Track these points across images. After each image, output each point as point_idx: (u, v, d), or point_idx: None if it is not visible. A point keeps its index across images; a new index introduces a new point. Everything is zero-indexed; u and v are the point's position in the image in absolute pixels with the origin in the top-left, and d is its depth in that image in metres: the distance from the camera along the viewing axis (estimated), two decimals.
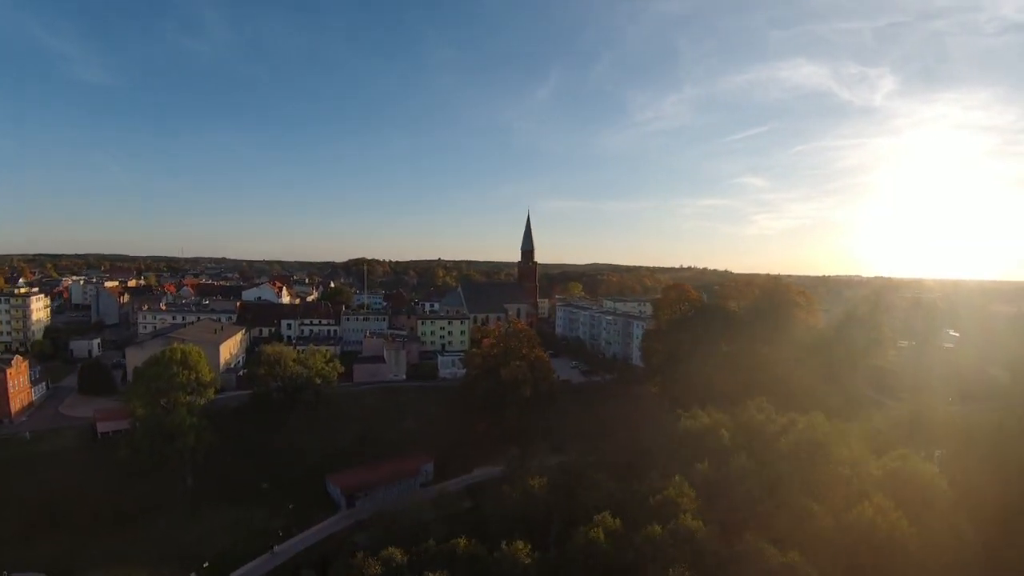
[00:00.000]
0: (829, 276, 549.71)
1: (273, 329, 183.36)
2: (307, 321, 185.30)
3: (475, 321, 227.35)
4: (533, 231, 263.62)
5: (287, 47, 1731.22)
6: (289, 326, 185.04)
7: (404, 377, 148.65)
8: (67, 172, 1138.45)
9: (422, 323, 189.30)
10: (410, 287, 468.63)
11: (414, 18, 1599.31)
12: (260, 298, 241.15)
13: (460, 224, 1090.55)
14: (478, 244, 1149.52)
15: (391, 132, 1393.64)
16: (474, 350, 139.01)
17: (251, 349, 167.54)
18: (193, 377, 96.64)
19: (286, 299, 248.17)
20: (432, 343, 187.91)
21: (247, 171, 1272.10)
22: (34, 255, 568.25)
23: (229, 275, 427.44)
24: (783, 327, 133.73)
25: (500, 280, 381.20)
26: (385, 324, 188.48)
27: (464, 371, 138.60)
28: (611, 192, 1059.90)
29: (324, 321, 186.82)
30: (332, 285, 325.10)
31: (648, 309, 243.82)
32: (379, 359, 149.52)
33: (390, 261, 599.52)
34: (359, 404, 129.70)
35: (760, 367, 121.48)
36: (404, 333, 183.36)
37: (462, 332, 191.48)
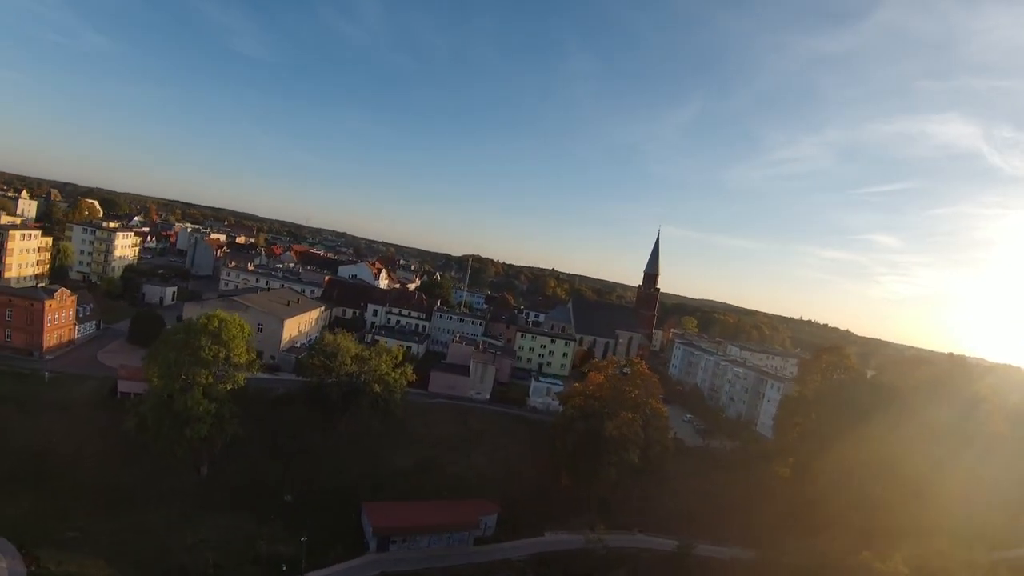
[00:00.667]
0: (955, 354, 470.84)
1: (358, 312, 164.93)
2: (395, 310, 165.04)
3: (581, 343, 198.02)
4: (660, 255, 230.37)
5: (434, 42, 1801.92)
6: (375, 312, 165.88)
7: (487, 397, 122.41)
8: (221, 133, 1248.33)
9: (521, 336, 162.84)
10: (519, 292, 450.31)
11: (558, 27, 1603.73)
12: (355, 276, 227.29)
13: (575, 237, 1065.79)
14: (590, 260, 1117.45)
15: (523, 136, 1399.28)
16: (576, 386, 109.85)
17: (331, 328, 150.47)
18: (223, 355, 75.72)
19: (384, 283, 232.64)
20: (528, 360, 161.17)
21: (380, 153, 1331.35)
22: (169, 200, 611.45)
23: (344, 250, 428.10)
24: (972, 424, 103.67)
25: (612, 302, 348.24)
26: (480, 329, 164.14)
27: (559, 405, 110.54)
28: (730, 228, 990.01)
29: (414, 313, 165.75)
30: (437, 276, 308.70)
31: (782, 365, 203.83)
32: (462, 369, 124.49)
33: (504, 263, 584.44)
34: (426, 421, 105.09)
35: (935, 477, 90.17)
36: (499, 343, 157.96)
37: (564, 355, 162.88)
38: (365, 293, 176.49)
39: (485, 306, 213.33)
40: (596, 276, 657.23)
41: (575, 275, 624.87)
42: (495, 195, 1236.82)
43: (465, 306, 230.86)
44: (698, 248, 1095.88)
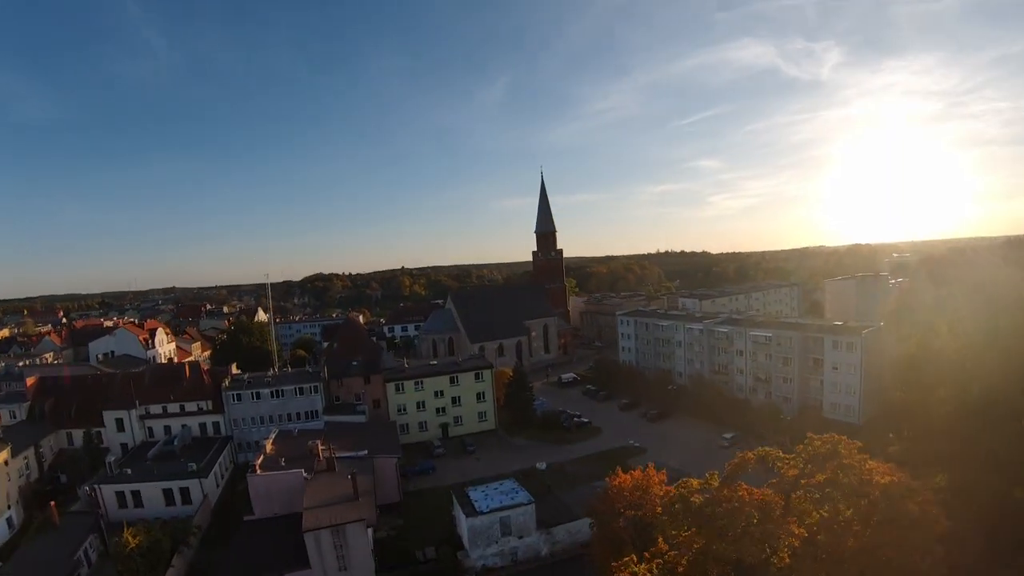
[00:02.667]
0: (797, 248, 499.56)
1: (92, 431, 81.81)
2: (155, 411, 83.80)
3: (482, 352, 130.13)
4: (547, 211, 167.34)
5: (232, 66, 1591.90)
6: (120, 423, 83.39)
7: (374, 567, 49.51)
8: (20, 209, 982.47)
9: (397, 389, 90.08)
10: (374, 302, 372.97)
11: (354, 28, 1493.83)
12: (111, 354, 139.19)
13: (420, 231, 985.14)
14: (441, 248, 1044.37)
15: (343, 143, 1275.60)
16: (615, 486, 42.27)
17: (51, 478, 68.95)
18: None
19: (166, 350, 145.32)
20: (422, 426, 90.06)
21: (202, 196, 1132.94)
22: None
23: (163, 308, 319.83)
24: None
25: (498, 284, 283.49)
26: (318, 400, 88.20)
27: (545, 544, 42.75)
28: (567, 187, 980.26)
29: (191, 407, 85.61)
30: (262, 312, 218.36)
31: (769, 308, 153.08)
32: (286, 540, 49.79)
33: (349, 274, 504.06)
34: None
35: None
36: (357, 417, 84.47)
37: (481, 395, 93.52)
38: (97, 391, 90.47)
39: (326, 343, 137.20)
40: (449, 263, 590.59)
41: (428, 267, 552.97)
42: (333, 208, 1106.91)
43: (297, 353, 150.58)
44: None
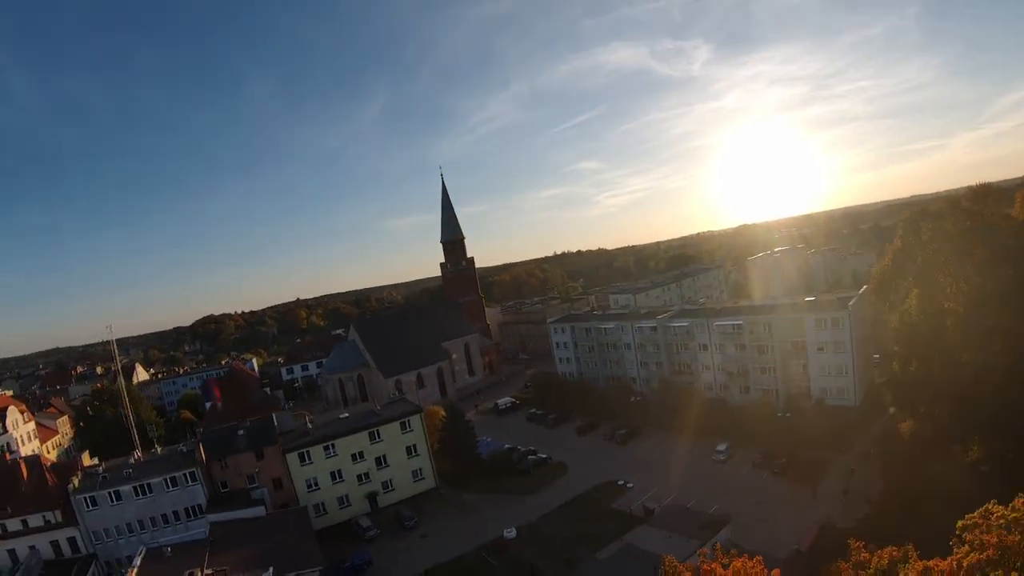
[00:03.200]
0: (691, 235, 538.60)
1: None
2: None
3: (398, 388, 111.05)
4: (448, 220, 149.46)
5: (99, 104, 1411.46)
6: None
7: None
8: None
9: (302, 461, 68.20)
10: (269, 339, 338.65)
11: (228, 61, 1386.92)
12: None
13: (313, 259, 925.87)
14: (336, 275, 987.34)
15: (225, 178, 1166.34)
16: None
17: None
18: None
19: (22, 433, 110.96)
20: (342, 502, 69.18)
21: (78, 247, 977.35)
22: None
23: (40, 373, 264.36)
24: None
25: (400, 305, 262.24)
26: (199, 490, 64.45)
27: None
28: (459, 199, 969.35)
29: (35, 522, 59.14)
30: (136, 371, 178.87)
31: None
32: None
33: (243, 312, 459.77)
34: None
35: None
36: (256, 503, 62.25)
37: (413, 451, 73.72)
38: None
39: (210, 404, 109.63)
40: (345, 289, 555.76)
41: (324, 296, 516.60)
42: (225, 245, 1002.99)
43: (184, 416, 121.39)
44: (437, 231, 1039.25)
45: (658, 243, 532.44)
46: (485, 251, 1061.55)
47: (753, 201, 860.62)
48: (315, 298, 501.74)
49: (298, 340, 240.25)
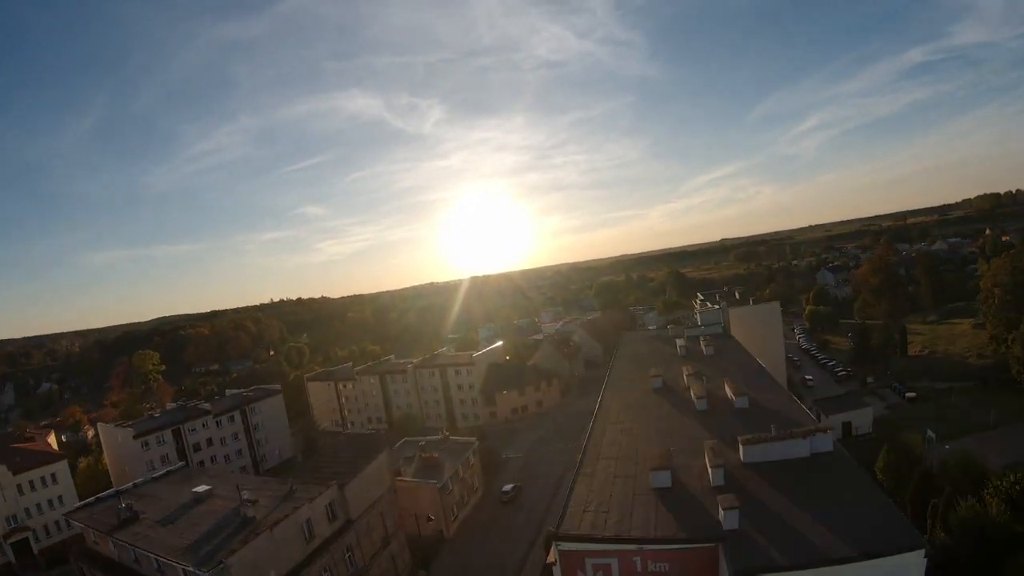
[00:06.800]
0: (417, 286, 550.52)
1: None
2: None
3: None
4: None
5: None
6: None
7: None
8: None
9: None
10: None
11: None
12: None
13: None
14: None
15: None
16: None
17: None
18: None
19: None
20: None
21: None
22: None
23: None
24: None
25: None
26: None
27: None
28: (165, 236, 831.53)
29: None
30: None
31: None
32: None
33: None
34: None
35: None
36: None
37: None
38: None
39: None
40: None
41: None
42: None
43: None
44: (146, 265, 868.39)
45: (389, 292, 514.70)
46: (189, 296, 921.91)
47: (479, 254, 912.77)
48: None
49: None
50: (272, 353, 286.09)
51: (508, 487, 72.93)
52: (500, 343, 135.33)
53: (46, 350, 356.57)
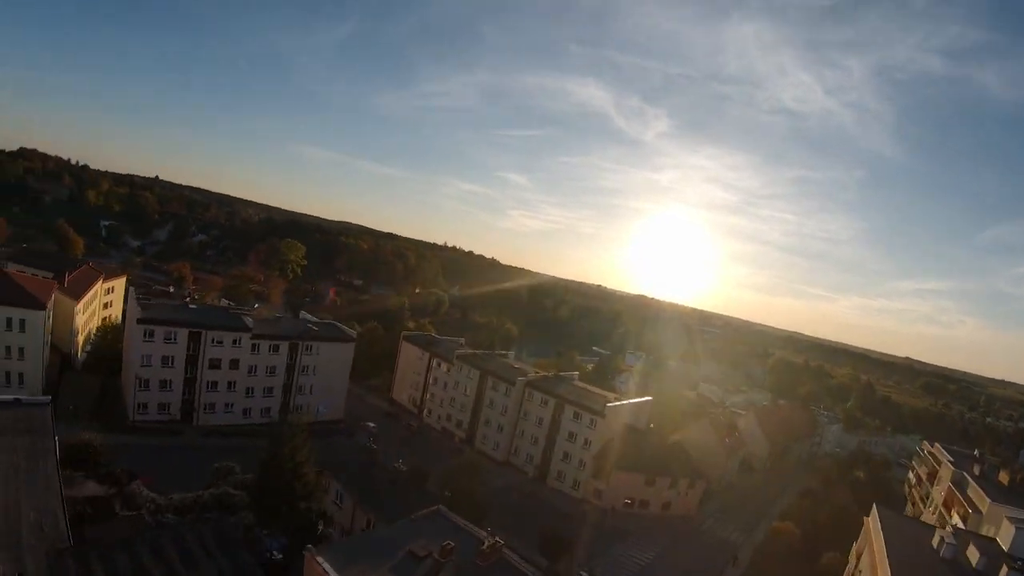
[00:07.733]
0: (593, 284, 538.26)
1: None
2: None
3: None
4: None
5: None
6: None
7: None
8: None
9: None
10: None
11: None
12: None
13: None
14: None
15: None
16: None
17: None
18: None
19: None
20: None
21: None
22: None
23: None
24: None
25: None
26: None
27: None
28: (376, 155, 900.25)
29: None
30: None
31: None
32: None
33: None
34: None
35: None
36: None
37: None
38: None
39: None
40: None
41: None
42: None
43: None
44: (342, 172, 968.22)
45: (556, 279, 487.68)
46: (375, 213, 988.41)
47: (655, 275, 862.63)
48: None
49: None
50: (417, 291, 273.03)
51: None
52: (648, 398, 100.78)
53: (227, 211, 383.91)
